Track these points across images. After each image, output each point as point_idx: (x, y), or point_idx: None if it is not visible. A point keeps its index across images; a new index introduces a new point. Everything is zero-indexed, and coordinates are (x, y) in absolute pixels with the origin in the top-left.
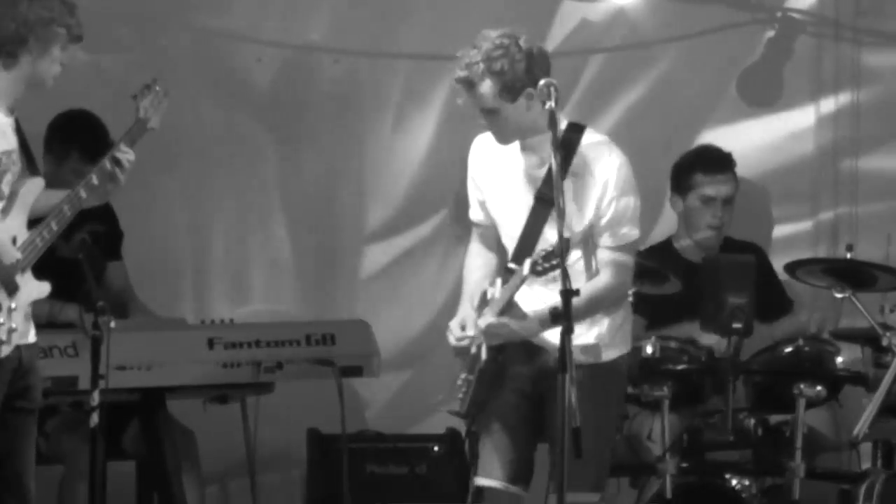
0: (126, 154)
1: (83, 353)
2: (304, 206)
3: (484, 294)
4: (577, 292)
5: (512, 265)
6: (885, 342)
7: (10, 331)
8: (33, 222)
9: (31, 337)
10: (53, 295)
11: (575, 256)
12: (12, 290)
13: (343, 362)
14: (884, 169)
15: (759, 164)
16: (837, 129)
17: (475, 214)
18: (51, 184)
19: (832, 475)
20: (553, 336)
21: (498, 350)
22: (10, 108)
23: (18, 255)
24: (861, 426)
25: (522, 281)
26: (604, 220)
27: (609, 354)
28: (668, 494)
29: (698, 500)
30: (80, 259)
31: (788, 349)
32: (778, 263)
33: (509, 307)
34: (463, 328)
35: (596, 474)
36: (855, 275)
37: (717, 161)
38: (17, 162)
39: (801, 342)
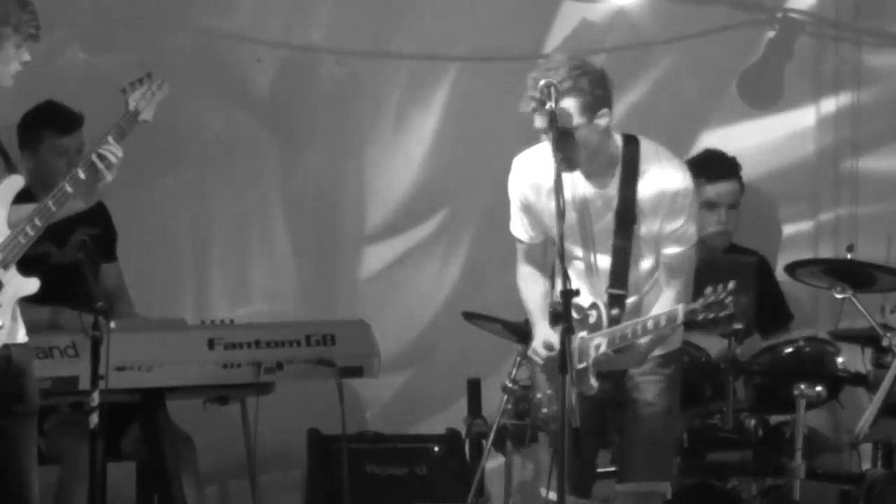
0: (112, 148)
1: (83, 353)
2: (304, 206)
3: (584, 315)
4: (577, 292)
5: (613, 291)
6: (885, 342)
7: None
8: None
9: (21, 337)
10: (52, 301)
11: (648, 265)
12: None
13: (343, 363)
14: (884, 169)
15: (760, 165)
16: (838, 129)
17: (523, 234)
18: (35, 177)
19: (832, 476)
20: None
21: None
22: None
23: None
24: (861, 427)
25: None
26: (671, 227)
27: (674, 343)
28: (669, 495)
29: (698, 501)
30: (81, 260)
31: (789, 350)
32: (778, 264)
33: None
34: (550, 348)
35: (667, 463)
36: (855, 275)
37: (720, 166)
38: None
39: (801, 342)
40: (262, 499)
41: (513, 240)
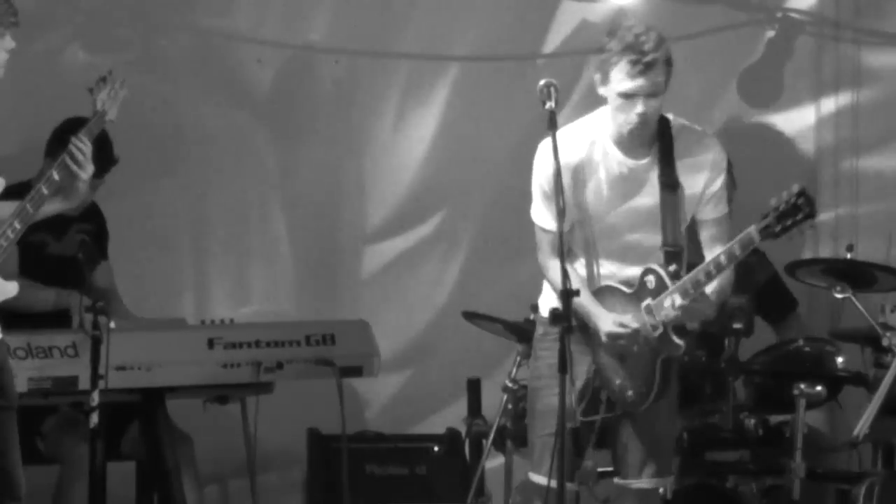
0: (79, 144)
1: (83, 353)
2: (304, 206)
3: (641, 284)
4: (577, 292)
5: (668, 248)
6: (885, 342)
7: None
8: None
9: None
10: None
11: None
12: None
13: (343, 362)
14: (884, 169)
15: (760, 165)
16: (838, 129)
17: (551, 223)
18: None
19: (832, 476)
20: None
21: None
22: None
23: None
24: (861, 426)
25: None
26: (709, 202)
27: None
28: (668, 495)
29: (698, 501)
30: (79, 259)
31: (788, 349)
32: (778, 264)
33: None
34: (623, 325)
35: (667, 460)
36: (855, 275)
37: None
38: None
39: (801, 342)
40: (262, 499)
41: (513, 240)
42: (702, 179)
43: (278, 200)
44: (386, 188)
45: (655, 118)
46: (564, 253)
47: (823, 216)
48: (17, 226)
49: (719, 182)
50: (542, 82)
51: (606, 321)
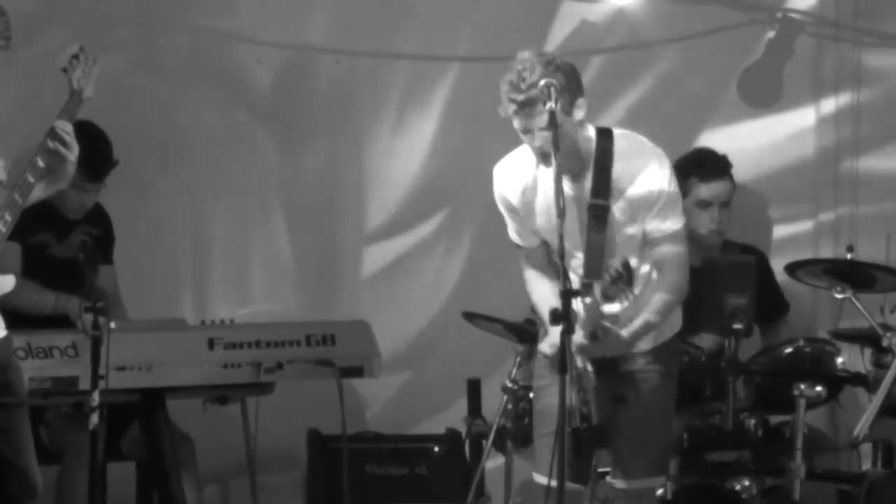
0: (64, 127)
1: (83, 353)
2: (304, 206)
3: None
4: (577, 292)
5: (586, 280)
6: (885, 342)
7: None
8: None
9: (1, 330)
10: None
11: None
12: None
13: (343, 363)
14: (884, 169)
15: (760, 165)
16: (838, 129)
17: (519, 239)
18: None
19: (832, 476)
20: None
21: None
22: None
23: None
24: (861, 427)
25: (598, 307)
26: (654, 223)
27: (664, 335)
28: (668, 496)
29: (698, 501)
30: (80, 260)
31: (788, 349)
32: (778, 264)
33: (597, 328)
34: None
35: (662, 459)
36: (855, 275)
37: (713, 164)
38: None
39: (801, 342)
40: (262, 499)
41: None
42: (638, 207)
43: (278, 200)
44: (386, 188)
45: (571, 141)
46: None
47: (823, 216)
48: (8, 217)
49: (659, 213)
50: (542, 82)
51: (546, 342)
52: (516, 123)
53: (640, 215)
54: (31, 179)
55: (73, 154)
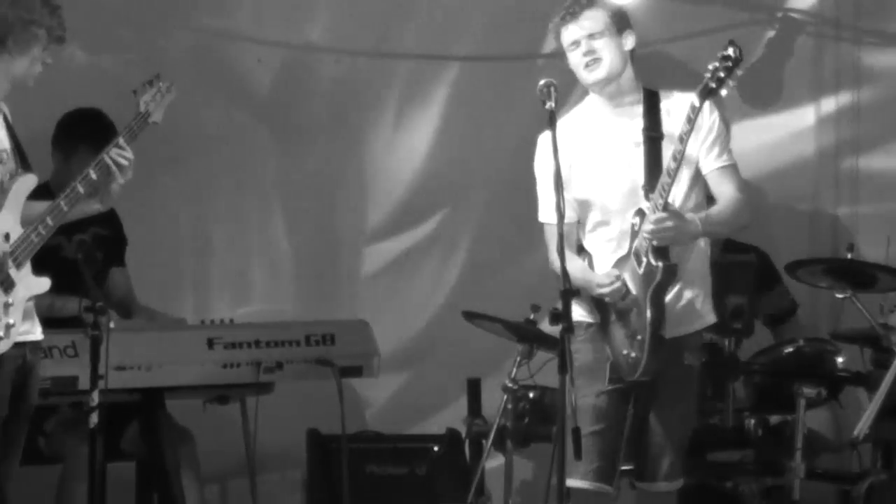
0: (123, 152)
1: (83, 353)
2: (304, 206)
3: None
4: (577, 292)
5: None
6: (885, 342)
7: (8, 326)
8: None
9: (38, 334)
10: (59, 292)
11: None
12: (7, 285)
13: (343, 362)
14: (884, 169)
15: (760, 165)
16: (838, 129)
17: (555, 216)
18: (59, 179)
19: (832, 476)
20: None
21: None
22: None
23: (6, 248)
24: (861, 427)
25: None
26: (709, 157)
27: (705, 317)
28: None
29: (698, 501)
30: (79, 259)
31: (789, 349)
32: (778, 264)
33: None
34: (609, 276)
35: (680, 461)
36: (855, 275)
37: None
38: (6, 160)
39: (801, 342)
40: (262, 499)
41: (513, 240)
42: (697, 143)
43: (278, 200)
44: (386, 188)
45: (610, 59)
46: (574, 249)
47: (823, 216)
48: (50, 222)
49: (712, 135)
50: (542, 82)
51: (596, 280)
52: (566, 35)
53: (692, 147)
54: (81, 190)
55: (123, 177)
